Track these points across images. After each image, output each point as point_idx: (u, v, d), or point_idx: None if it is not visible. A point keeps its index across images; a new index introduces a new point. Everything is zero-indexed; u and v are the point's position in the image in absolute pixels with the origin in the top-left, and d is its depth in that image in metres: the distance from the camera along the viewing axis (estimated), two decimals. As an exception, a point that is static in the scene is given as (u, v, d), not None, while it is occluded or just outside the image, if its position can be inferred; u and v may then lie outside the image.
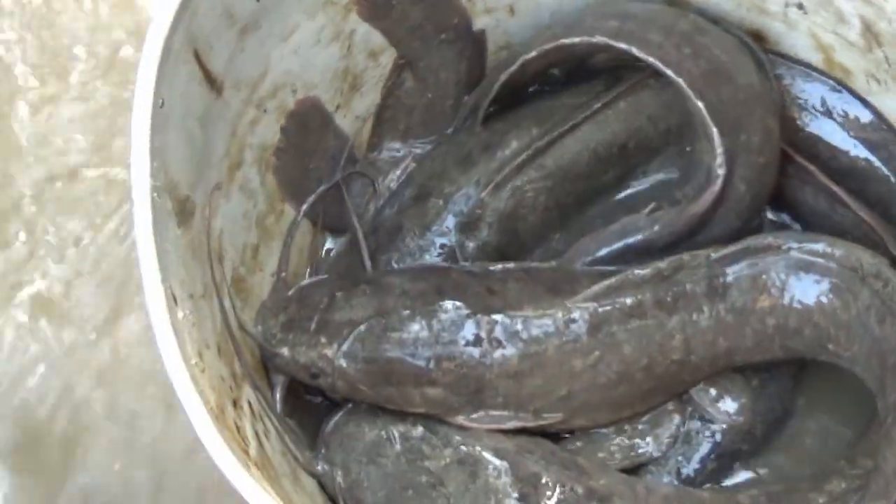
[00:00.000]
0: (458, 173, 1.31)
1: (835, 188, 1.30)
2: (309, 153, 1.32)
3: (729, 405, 1.26)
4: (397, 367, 1.19)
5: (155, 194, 1.05)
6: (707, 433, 1.26)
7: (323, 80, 1.30)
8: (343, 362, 1.19)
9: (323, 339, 1.20)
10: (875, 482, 1.12)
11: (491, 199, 1.29)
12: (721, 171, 1.22)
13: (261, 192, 1.27)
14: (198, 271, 1.14)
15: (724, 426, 1.26)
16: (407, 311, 1.20)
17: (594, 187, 1.34)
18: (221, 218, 1.20)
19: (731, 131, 1.22)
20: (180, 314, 1.05)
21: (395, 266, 1.29)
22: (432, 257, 1.29)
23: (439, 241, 1.29)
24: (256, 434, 1.14)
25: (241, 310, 1.23)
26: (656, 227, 1.27)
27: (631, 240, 1.27)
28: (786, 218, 1.37)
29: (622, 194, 1.36)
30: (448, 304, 1.20)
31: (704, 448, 1.26)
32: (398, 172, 1.36)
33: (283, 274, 1.29)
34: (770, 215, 1.36)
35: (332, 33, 1.27)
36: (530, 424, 1.22)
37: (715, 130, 1.21)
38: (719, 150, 1.21)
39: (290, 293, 1.25)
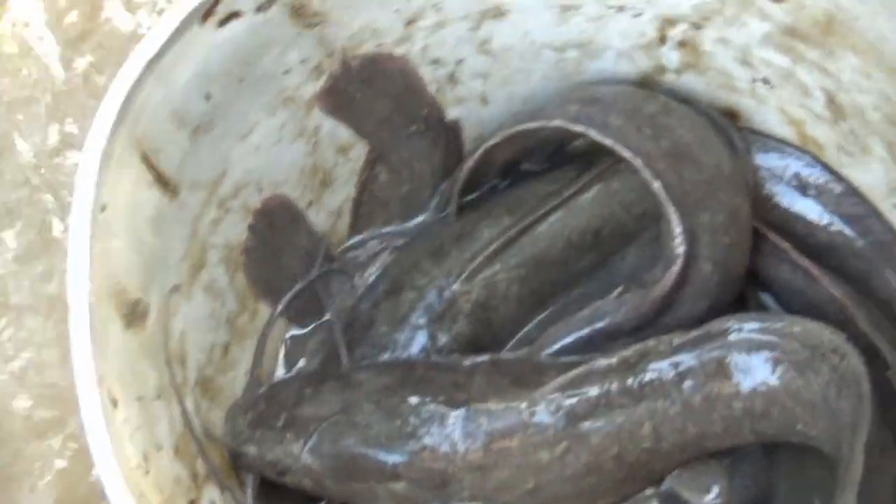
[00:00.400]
0: (431, 265, 1.29)
1: (806, 264, 1.27)
2: (280, 250, 1.31)
3: (706, 490, 1.22)
4: (361, 463, 1.18)
5: (93, 298, 1.05)
6: None
7: (290, 177, 1.29)
8: (308, 459, 1.18)
9: (289, 436, 1.18)
10: None
11: (463, 290, 1.28)
12: (680, 251, 1.20)
13: (229, 292, 1.26)
14: (151, 373, 1.13)
15: None
16: (371, 406, 1.19)
17: (569, 274, 1.32)
18: (183, 319, 1.19)
19: (693, 211, 1.20)
20: (121, 416, 1.04)
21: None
22: (406, 351, 1.27)
23: (412, 334, 1.28)
24: (216, 534, 1.13)
25: (209, 410, 1.22)
26: (622, 311, 1.24)
27: (599, 324, 1.25)
28: (768, 298, 1.34)
29: (597, 281, 1.34)
30: (412, 398, 1.19)
31: None
32: (377, 266, 1.35)
33: (257, 372, 1.29)
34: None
35: (296, 130, 1.27)
36: None
37: (672, 209, 1.19)
38: (678, 229, 1.19)
39: (261, 391, 1.25)
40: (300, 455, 1.18)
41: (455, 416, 1.18)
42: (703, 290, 1.23)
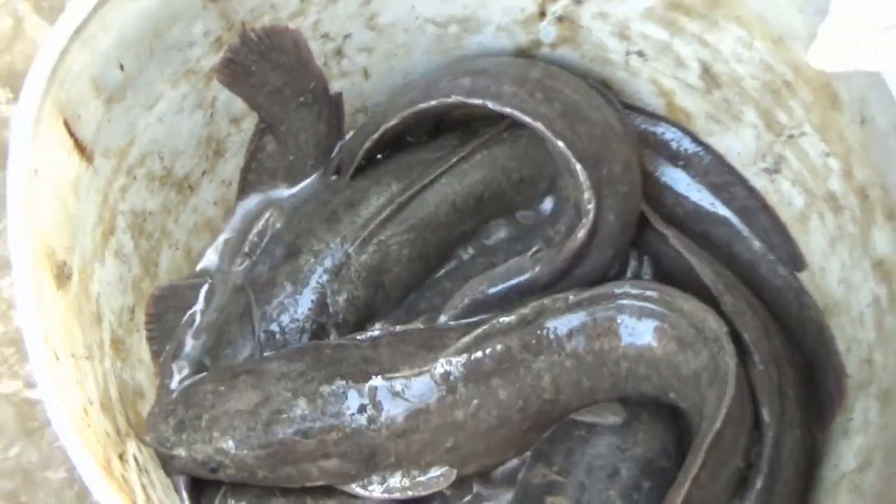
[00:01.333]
0: (325, 231, 1.32)
1: (683, 250, 1.33)
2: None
3: (609, 414, 1.28)
4: (291, 448, 1.20)
5: (33, 258, 1.05)
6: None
7: (188, 146, 1.31)
8: (240, 453, 1.20)
9: (216, 434, 1.20)
10: None
11: (357, 255, 1.31)
12: (591, 205, 1.25)
13: (134, 257, 1.28)
14: (79, 333, 1.13)
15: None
16: (289, 393, 1.21)
17: (453, 237, 1.37)
18: (97, 282, 1.20)
19: (593, 165, 1.26)
20: (62, 372, 1.05)
21: (272, 322, 1.30)
22: (305, 311, 1.30)
23: (311, 296, 1.31)
24: (143, 486, 1.14)
25: (122, 370, 1.23)
26: (538, 267, 1.30)
27: (514, 280, 1.30)
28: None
29: (471, 245, 1.39)
30: (327, 379, 1.22)
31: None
32: (259, 226, 1.38)
33: (167, 381, 1.30)
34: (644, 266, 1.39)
35: (195, 101, 1.29)
36: (420, 491, 1.24)
37: (578, 166, 1.24)
38: (586, 183, 1.24)
39: (174, 396, 1.25)
40: (230, 451, 1.20)
41: (371, 389, 1.21)
42: (609, 239, 1.29)
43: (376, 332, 1.29)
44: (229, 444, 1.19)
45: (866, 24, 0.90)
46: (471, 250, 1.39)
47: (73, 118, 1.14)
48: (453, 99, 1.29)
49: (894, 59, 0.90)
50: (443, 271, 1.38)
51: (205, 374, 1.29)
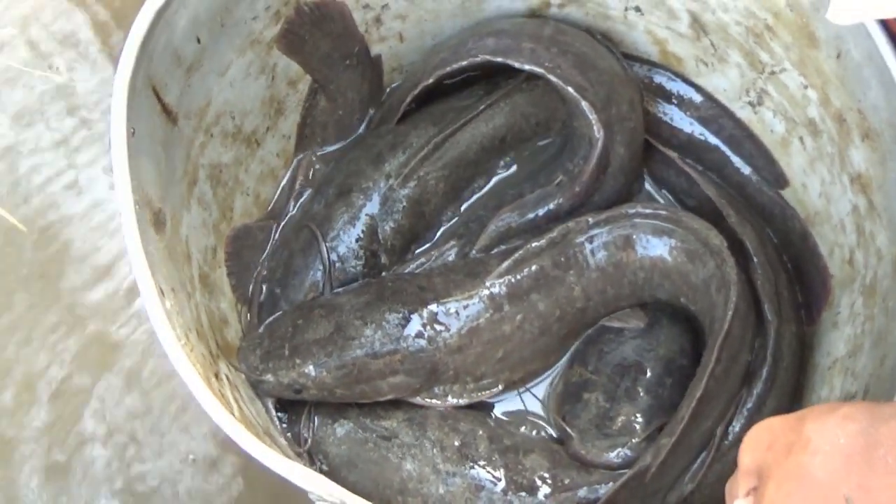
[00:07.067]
0: (372, 170, 1.33)
1: (688, 170, 1.34)
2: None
3: (632, 319, 1.30)
4: (364, 368, 1.22)
5: (137, 207, 1.07)
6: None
7: (254, 107, 1.32)
8: (320, 374, 1.21)
9: (298, 361, 1.21)
10: (669, 425, 1.19)
11: (401, 189, 1.32)
12: (599, 135, 1.26)
13: (214, 203, 1.28)
14: (174, 270, 1.15)
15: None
16: (359, 322, 1.23)
17: (480, 172, 1.39)
18: (186, 226, 1.21)
19: (604, 106, 1.27)
20: (168, 304, 1.07)
21: (332, 252, 1.31)
22: (358, 239, 1.32)
23: (362, 226, 1.32)
24: (236, 399, 1.16)
25: (209, 301, 1.24)
26: (560, 197, 1.31)
27: (542, 208, 1.31)
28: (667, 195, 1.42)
29: (496, 178, 1.41)
30: (391, 307, 1.23)
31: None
32: (310, 174, 1.39)
33: (252, 319, 1.31)
34: (648, 188, 1.41)
35: (259, 67, 1.29)
36: (477, 398, 1.26)
37: (586, 104, 1.25)
38: (593, 118, 1.25)
39: (259, 331, 1.27)
40: (311, 373, 1.21)
41: (429, 313, 1.23)
42: (620, 169, 1.31)
43: (427, 266, 1.31)
44: (310, 368, 1.21)
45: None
46: (500, 182, 1.40)
47: (160, 86, 1.14)
48: (480, 58, 1.30)
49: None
50: (475, 199, 1.39)
51: (283, 311, 1.30)
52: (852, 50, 1.14)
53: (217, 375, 1.15)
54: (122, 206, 1.06)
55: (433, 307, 1.23)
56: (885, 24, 1.09)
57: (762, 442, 0.90)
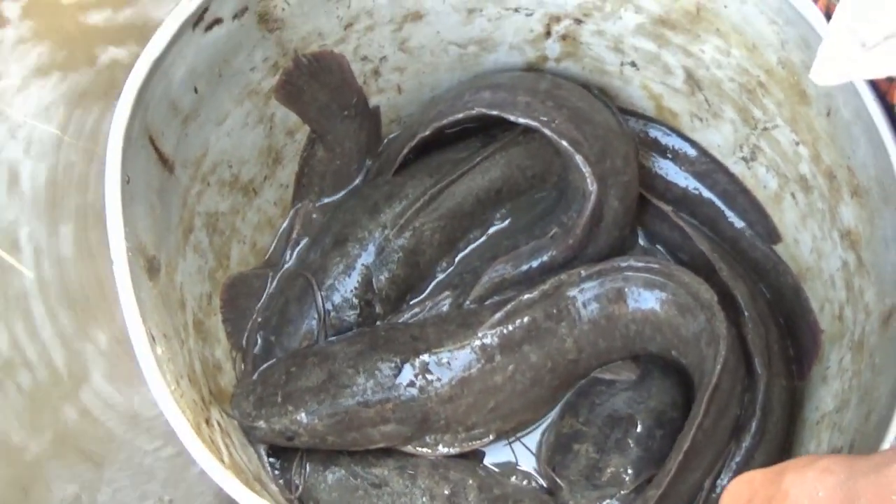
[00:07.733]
0: (367, 220, 1.33)
1: (682, 224, 1.34)
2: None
3: (624, 371, 1.29)
4: (355, 416, 1.21)
5: (129, 254, 1.06)
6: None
7: (252, 156, 1.32)
8: (311, 422, 1.21)
9: (290, 408, 1.21)
10: (656, 477, 1.18)
11: (396, 239, 1.32)
12: (593, 189, 1.26)
13: (210, 251, 1.28)
14: (167, 317, 1.14)
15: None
16: (352, 371, 1.22)
17: (475, 223, 1.38)
18: (181, 273, 1.21)
19: (598, 159, 1.27)
20: (159, 350, 1.07)
21: (326, 301, 1.31)
22: (353, 289, 1.31)
23: (358, 276, 1.31)
24: (226, 445, 1.15)
25: (203, 347, 1.24)
26: (554, 249, 1.31)
27: (538, 260, 1.31)
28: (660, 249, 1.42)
29: (492, 230, 1.40)
30: (384, 356, 1.23)
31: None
32: (309, 220, 1.39)
33: (245, 367, 1.31)
34: (642, 242, 1.41)
35: (257, 117, 1.29)
36: (468, 447, 1.25)
37: (580, 158, 1.25)
38: (587, 171, 1.25)
39: (253, 378, 1.27)
40: (303, 421, 1.21)
41: (421, 363, 1.23)
42: (614, 222, 1.30)
43: (421, 316, 1.30)
44: (302, 416, 1.20)
45: (860, 39, 0.90)
46: (495, 234, 1.39)
47: (157, 135, 1.15)
48: (476, 111, 1.30)
49: (886, 68, 0.91)
50: (469, 250, 1.38)
51: (277, 358, 1.29)
52: (842, 108, 1.13)
53: (208, 421, 1.14)
54: (115, 253, 1.06)
55: (425, 357, 1.22)
56: (873, 84, 1.09)
57: (742, 495, 0.89)
